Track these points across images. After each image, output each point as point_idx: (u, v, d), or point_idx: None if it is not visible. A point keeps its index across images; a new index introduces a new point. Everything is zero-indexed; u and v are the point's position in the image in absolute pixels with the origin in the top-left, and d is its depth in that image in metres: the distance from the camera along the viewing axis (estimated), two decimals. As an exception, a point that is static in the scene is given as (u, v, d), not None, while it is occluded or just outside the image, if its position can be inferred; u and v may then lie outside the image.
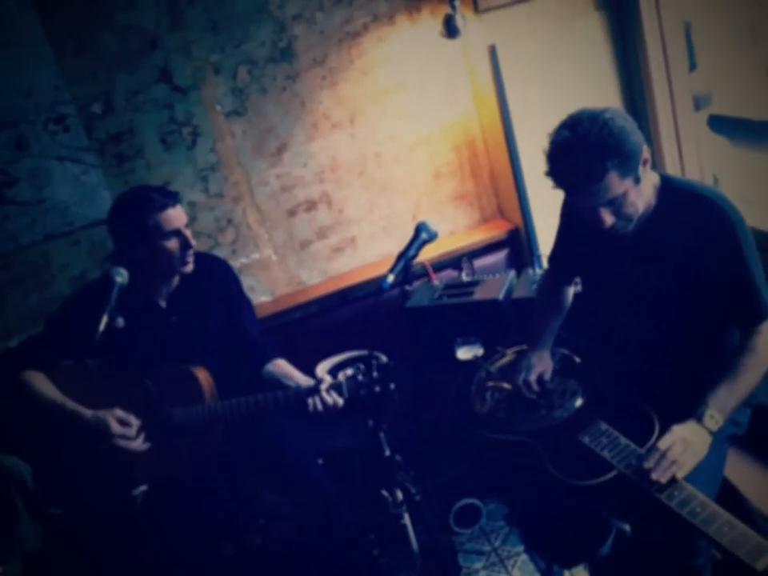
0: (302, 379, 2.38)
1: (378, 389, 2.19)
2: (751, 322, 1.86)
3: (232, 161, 3.16)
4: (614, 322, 2.08)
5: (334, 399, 2.23)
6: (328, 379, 2.25)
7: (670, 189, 1.92)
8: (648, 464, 1.68)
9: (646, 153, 1.81)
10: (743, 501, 2.07)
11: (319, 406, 2.23)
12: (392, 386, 2.19)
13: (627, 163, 1.76)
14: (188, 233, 2.33)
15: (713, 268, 1.84)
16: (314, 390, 2.24)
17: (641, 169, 1.80)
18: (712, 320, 1.94)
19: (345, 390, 2.24)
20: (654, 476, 1.65)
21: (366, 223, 3.38)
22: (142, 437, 2.26)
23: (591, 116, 1.79)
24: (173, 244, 2.30)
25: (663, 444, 1.71)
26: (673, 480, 1.65)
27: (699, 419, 1.75)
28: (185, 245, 2.32)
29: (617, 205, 1.81)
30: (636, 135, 1.79)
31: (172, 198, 2.30)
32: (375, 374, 2.20)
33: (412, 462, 2.37)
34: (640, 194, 1.83)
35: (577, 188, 1.81)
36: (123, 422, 2.25)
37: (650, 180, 1.89)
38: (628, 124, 1.79)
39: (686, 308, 1.92)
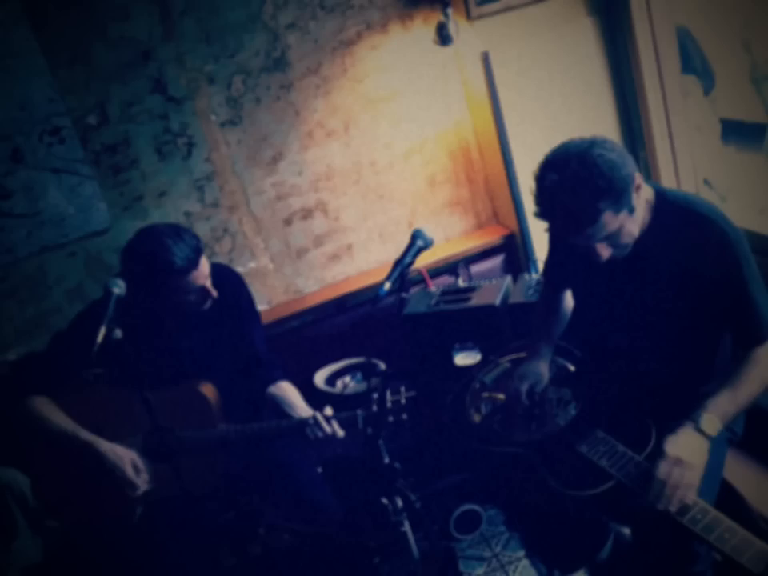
0: (302, 409, 2.35)
1: (391, 419, 2.16)
2: (752, 342, 1.81)
3: (227, 170, 3.16)
4: (606, 339, 2.05)
5: (334, 430, 2.20)
6: (328, 412, 2.22)
7: (664, 204, 1.84)
8: (651, 497, 1.63)
9: (638, 179, 1.73)
10: (744, 503, 2.08)
11: (320, 434, 2.20)
12: (404, 416, 2.15)
13: (620, 199, 1.68)
14: (208, 283, 2.24)
15: (711, 288, 1.79)
16: (314, 421, 2.20)
17: (634, 197, 1.72)
18: (705, 336, 1.92)
19: (360, 422, 2.21)
20: (661, 507, 1.60)
21: (361, 231, 3.38)
22: (145, 488, 2.21)
23: (578, 154, 1.69)
24: (193, 298, 2.23)
25: (661, 473, 1.65)
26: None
27: (696, 422, 1.71)
28: (206, 296, 2.25)
29: (613, 238, 1.74)
30: (627, 165, 1.71)
31: (194, 252, 2.14)
32: (389, 404, 2.16)
33: (411, 469, 2.37)
34: (635, 220, 1.77)
35: (570, 231, 1.74)
36: (136, 469, 2.21)
37: (643, 197, 1.79)
38: (617, 155, 1.70)
39: (678, 326, 1.89)
